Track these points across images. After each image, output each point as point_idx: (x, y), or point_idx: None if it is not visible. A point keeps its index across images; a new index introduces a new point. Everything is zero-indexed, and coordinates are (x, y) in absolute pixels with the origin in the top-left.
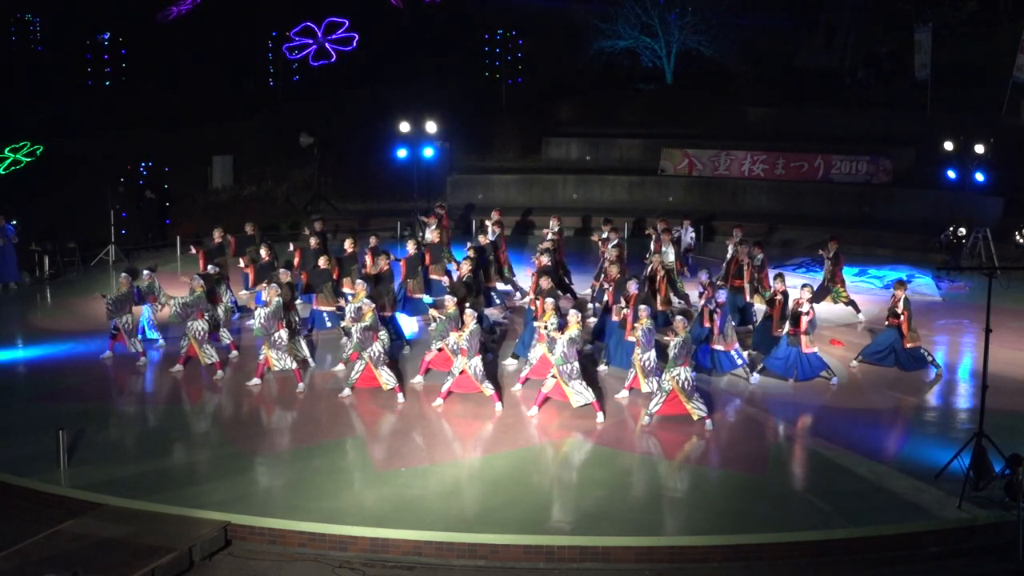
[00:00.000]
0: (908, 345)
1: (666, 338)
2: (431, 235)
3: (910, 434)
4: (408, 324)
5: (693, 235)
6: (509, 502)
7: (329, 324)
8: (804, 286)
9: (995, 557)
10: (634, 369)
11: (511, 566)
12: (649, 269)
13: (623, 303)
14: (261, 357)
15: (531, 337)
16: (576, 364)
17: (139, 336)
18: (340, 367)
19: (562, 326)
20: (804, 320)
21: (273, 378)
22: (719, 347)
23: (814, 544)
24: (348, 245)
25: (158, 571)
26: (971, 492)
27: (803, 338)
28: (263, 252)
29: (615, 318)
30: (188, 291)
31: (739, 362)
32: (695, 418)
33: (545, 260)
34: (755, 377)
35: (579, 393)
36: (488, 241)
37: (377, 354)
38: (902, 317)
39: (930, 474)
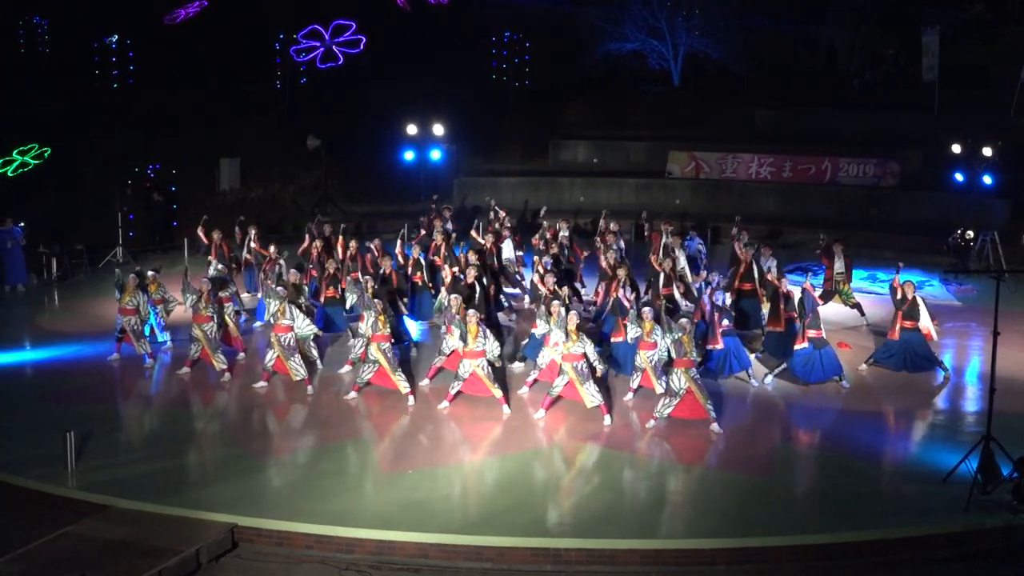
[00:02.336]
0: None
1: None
2: (438, 236)
3: (917, 437)
4: (413, 327)
5: (701, 244)
6: (516, 505)
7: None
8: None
9: (1003, 561)
10: (637, 372)
11: (517, 568)
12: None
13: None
14: (269, 364)
15: (540, 340)
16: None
17: (146, 338)
18: (347, 368)
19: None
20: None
21: (280, 380)
22: (711, 347)
23: (821, 547)
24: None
25: (165, 573)
26: (979, 495)
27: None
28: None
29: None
30: (188, 293)
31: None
32: (708, 413)
33: (545, 261)
34: (769, 380)
35: (592, 395)
36: (490, 244)
37: (390, 353)
38: (922, 315)
39: (938, 477)
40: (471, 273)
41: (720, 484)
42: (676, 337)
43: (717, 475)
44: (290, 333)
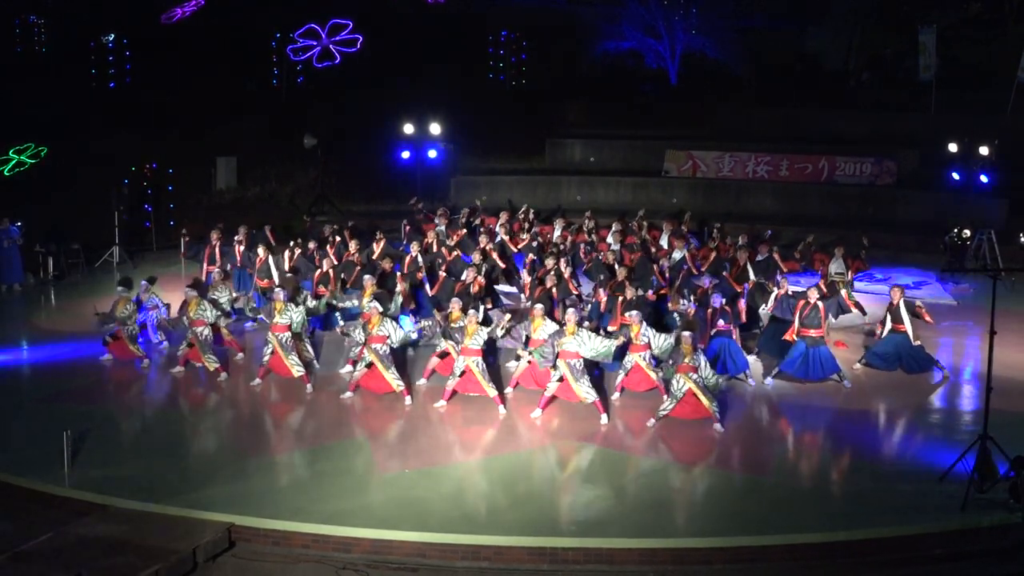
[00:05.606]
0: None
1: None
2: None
3: (914, 436)
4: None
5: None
6: (513, 504)
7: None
8: (812, 287)
9: (999, 560)
10: (624, 371)
11: (515, 568)
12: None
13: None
14: (265, 359)
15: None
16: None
17: (140, 340)
18: (347, 368)
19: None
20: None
21: (277, 380)
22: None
23: (817, 546)
24: (353, 247)
25: (162, 572)
26: (975, 494)
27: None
28: (260, 252)
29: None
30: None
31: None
32: (711, 413)
33: (550, 264)
34: (768, 381)
35: (587, 392)
36: (487, 243)
37: (385, 353)
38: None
39: (934, 476)
40: (471, 273)
41: (717, 483)
42: (669, 343)
43: (714, 474)
44: (287, 332)
